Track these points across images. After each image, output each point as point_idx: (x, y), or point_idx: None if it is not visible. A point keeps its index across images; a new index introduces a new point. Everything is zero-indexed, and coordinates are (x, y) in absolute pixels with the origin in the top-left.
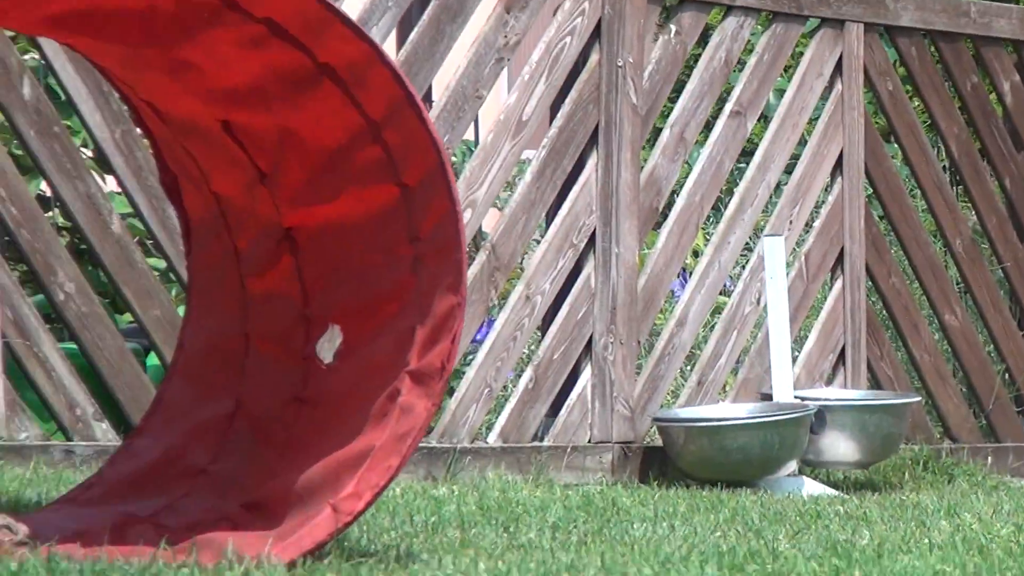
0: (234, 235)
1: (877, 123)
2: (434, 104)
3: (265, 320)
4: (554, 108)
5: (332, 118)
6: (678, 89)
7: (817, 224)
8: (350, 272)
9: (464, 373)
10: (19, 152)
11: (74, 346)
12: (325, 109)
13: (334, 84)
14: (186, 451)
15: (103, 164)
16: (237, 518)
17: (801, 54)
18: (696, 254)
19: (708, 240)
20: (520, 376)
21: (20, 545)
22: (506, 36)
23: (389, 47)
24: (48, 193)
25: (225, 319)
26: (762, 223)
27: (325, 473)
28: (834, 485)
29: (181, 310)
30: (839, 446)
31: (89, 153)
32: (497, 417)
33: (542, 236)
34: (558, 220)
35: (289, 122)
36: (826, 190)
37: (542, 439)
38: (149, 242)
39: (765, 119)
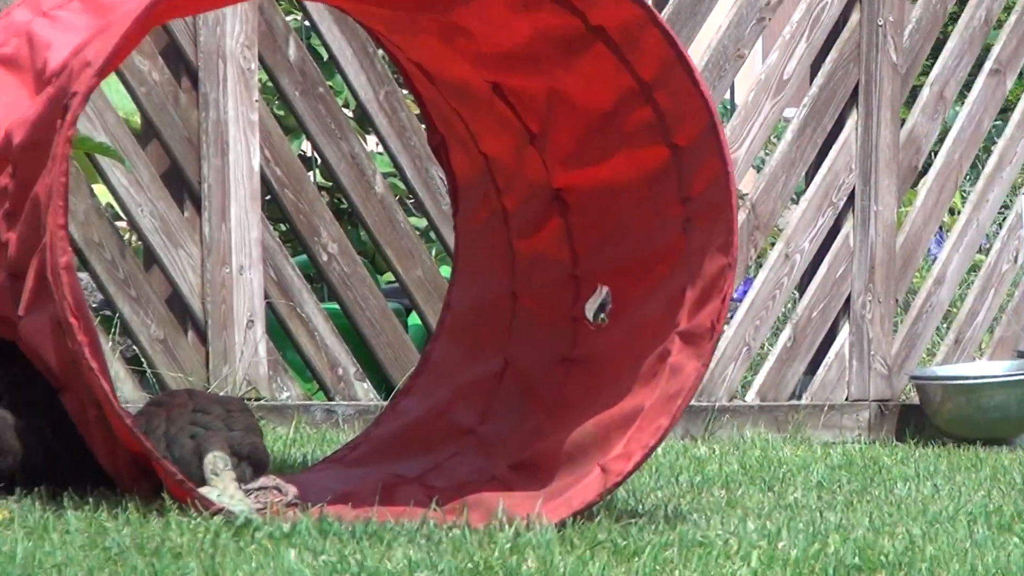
0: (502, 196)
1: None
2: (695, 64)
3: (533, 280)
4: (814, 67)
5: (603, 80)
6: (937, 48)
7: None
8: (620, 233)
9: (723, 332)
10: (281, 113)
11: (336, 306)
12: (596, 71)
13: (606, 46)
14: (453, 410)
15: (365, 124)
16: (505, 478)
17: None
18: (953, 212)
19: (966, 198)
20: (778, 335)
21: (290, 506)
22: None
23: None
24: (309, 153)
25: (492, 279)
26: (1020, 181)
27: (594, 433)
28: None
29: (443, 270)
30: None
31: (349, 113)
32: (755, 375)
33: (800, 195)
34: (818, 179)
35: (559, 84)
36: None
37: (800, 397)
38: (410, 201)
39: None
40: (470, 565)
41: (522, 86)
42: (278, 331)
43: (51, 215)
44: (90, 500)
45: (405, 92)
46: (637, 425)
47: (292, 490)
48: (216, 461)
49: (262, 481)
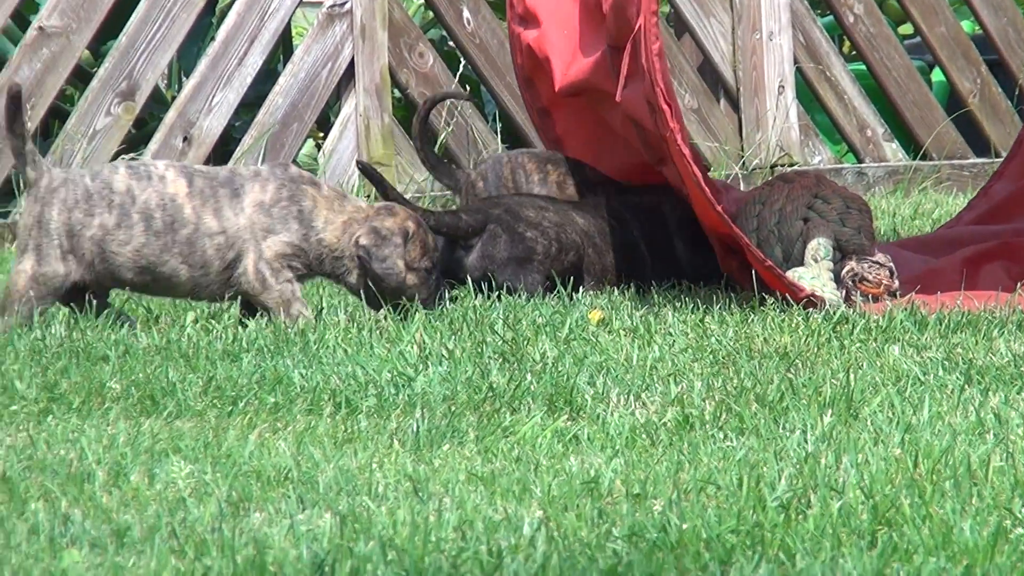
0: None
1: None
2: None
3: None
4: None
5: None
6: None
7: None
8: None
9: None
10: None
11: (862, 66)
12: None
13: None
14: None
15: None
16: None
17: None
18: None
19: None
20: None
21: (891, 295)
22: None
23: None
24: None
25: None
26: None
27: None
28: None
29: (965, 25)
30: None
31: None
32: None
33: None
34: None
35: None
36: None
37: None
38: None
39: None
40: None
41: None
42: (806, 95)
43: (644, 2)
44: (685, 299)
45: None
46: None
47: (897, 280)
48: (819, 248)
49: (879, 257)
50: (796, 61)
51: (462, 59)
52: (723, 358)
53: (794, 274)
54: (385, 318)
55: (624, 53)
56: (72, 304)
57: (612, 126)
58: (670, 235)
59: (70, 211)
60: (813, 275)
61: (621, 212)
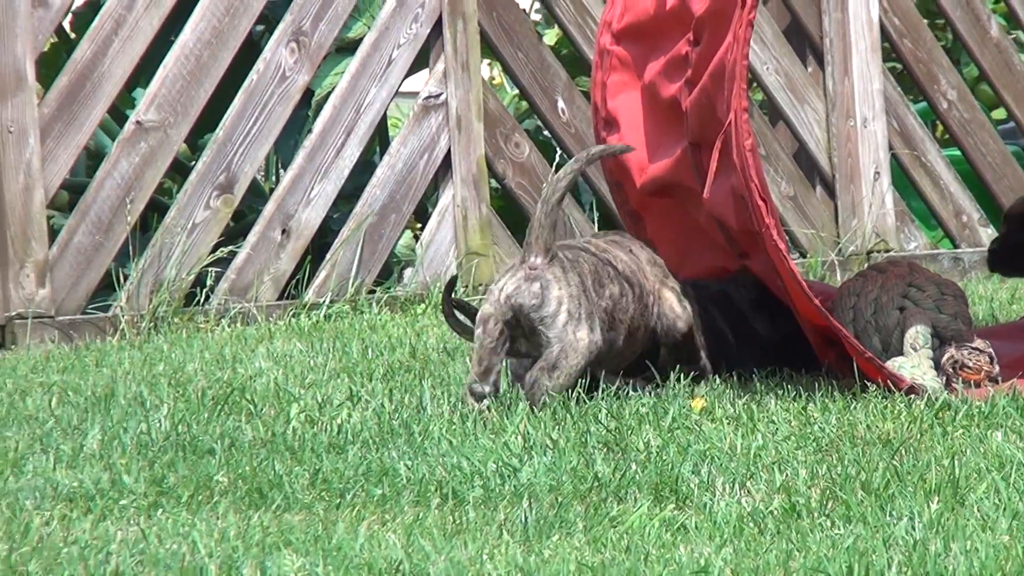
0: None
1: None
2: None
3: None
4: None
5: None
6: None
7: None
8: None
9: None
10: None
11: (957, 152)
12: None
13: None
14: None
15: None
16: None
17: None
18: None
19: None
20: None
21: (992, 380)
22: None
23: None
24: None
25: None
26: None
27: None
28: None
29: None
30: None
31: None
32: None
33: None
34: None
35: None
36: None
37: None
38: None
39: None
40: None
41: None
42: (902, 180)
43: (735, 98)
44: (787, 387)
45: None
46: None
47: (997, 366)
48: (918, 336)
49: (978, 343)
50: (891, 147)
51: (558, 148)
52: (826, 445)
53: (894, 364)
54: (489, 408)
55: (712, 149)
56: None
57: (697, 222)
58: (746, 318)
59: None
60: (913, 364)
61: (703, 302)
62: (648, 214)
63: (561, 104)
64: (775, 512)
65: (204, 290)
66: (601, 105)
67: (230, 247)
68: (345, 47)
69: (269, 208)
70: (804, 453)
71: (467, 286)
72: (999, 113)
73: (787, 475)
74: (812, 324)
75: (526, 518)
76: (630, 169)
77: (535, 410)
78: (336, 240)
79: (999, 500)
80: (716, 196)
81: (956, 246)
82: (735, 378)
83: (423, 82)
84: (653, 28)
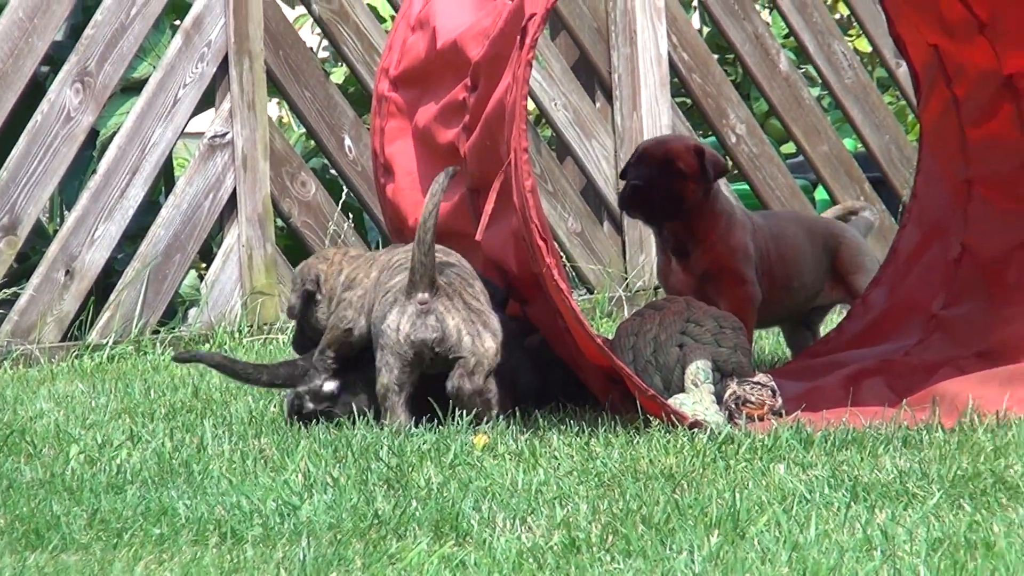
0: (952, 85)
1: None
2: None
3: (987, 167)
4: None
5: None
6: None
7: None
8: None
9: None
10: None
11: (745, 186)
12: None
13: None
14: (917, 296)
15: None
16: (968, 367)
17: None
18: None
19: None
20: None
21: (775, 414)
22: None
23: None
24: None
25: (948, 167)
26: None
27: None
28: None
29: (847, 143)
30: None
31: None
32: None
33: None
34: None
35: None
36: None
37: None
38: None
39: None
40: (959, 472)
41: None
42: None
43: (514, 139)
44: (570, 422)
45: None
46: None
47: (780, 399)
48: (698, 372)
49: (760, 377)
50: None
51: (344, 187)
52: (608, 480)
53: (676, 401)
54: (269, 447)
55: (491, 192)
56: None
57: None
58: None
59: None
60: (695, 400)
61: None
62: None
63: (348, 142)
64: (555, 547)
65: None
66: (380, 151)
67: (13, 288)
68: (131, 87)
69: (53, 249)
70: (586, 488)
71: (252, 325)
72: (789, 147)
73: (568, 510)
74: (594, 364)
75: (304, 556)
76: (406, 216)
77: (495, 416)
78: (120, 281)
79: (779, 532)
80: (495, 239)
81: None
82: (517, 414)
83: (209, 121)
84: (425, 73)
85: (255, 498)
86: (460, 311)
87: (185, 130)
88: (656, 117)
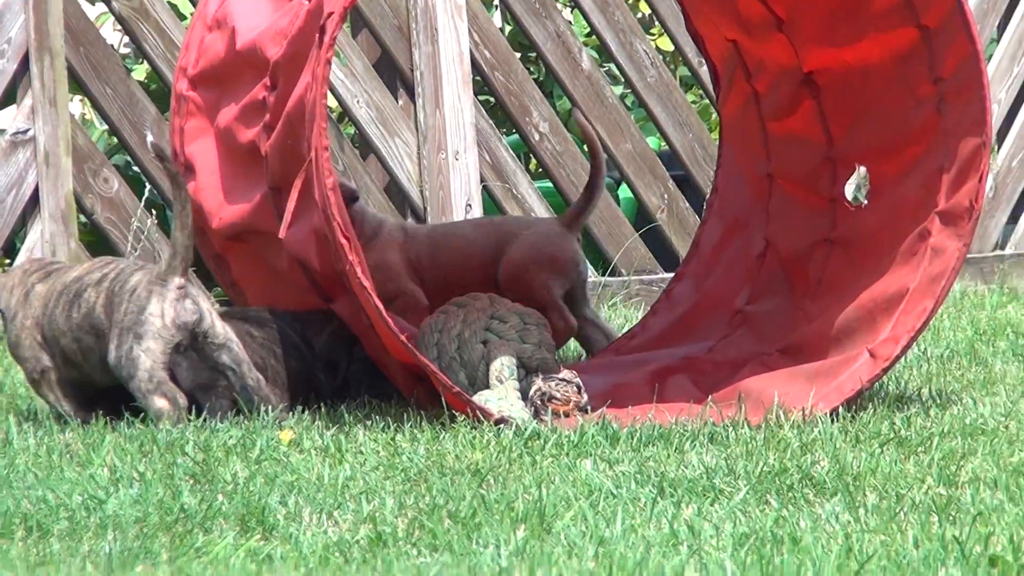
0: (752, 80)
1: None
2: None
3: (788, 162)
4: None
5: None
6: None
7: None
8: (873, 114)
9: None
10: None
11: (549, 184)
12: None
13: None
14: (721, 291)
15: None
16: (773, 363)
17: None
18: None
19: None
20: None
21: (581, 410)
22: None
23: None
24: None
25: (749, 162)
26: None
27: (858, 316)
28: None
29: (651, 141)
30: None
31: None
32: None
33: (994, 42)
34: (1011, 27)
35: None
36: None
37: (1003, 248)
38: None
39: None
40: (765, 468)
41: None
42: (494, 212)
43: (315, 137)
44: (376, 418)
45: None
46: (902, 308)
47: (586, 395)
48: (503, 368)
49: (565, 374)
50: (483, 179)
51: (147, 183)
52: (415, 475)
53: (481, 398)
54: (75, 441)
55: (293, 190)
56: None
57: (279, 269)
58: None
59: None
60: (500, 396)
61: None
62: (232, 257)
63: (150, 138)
64: (361, 542)
65: None
66: (180, 150)
67: None
68: None
69: None
70: (392, 483)
71: None
72: None
73: (374, 505)
74: (399, 360)
75: (110, 549)
76: (208, 215)
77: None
78: None
79: (586, 527)
80: (297, 237)
81: None
82: (323, 409)
83: (11, 118)
84: (225, 73)
85: (61, 492)
86: (210, 298)
87: None
88: (459, 114)
